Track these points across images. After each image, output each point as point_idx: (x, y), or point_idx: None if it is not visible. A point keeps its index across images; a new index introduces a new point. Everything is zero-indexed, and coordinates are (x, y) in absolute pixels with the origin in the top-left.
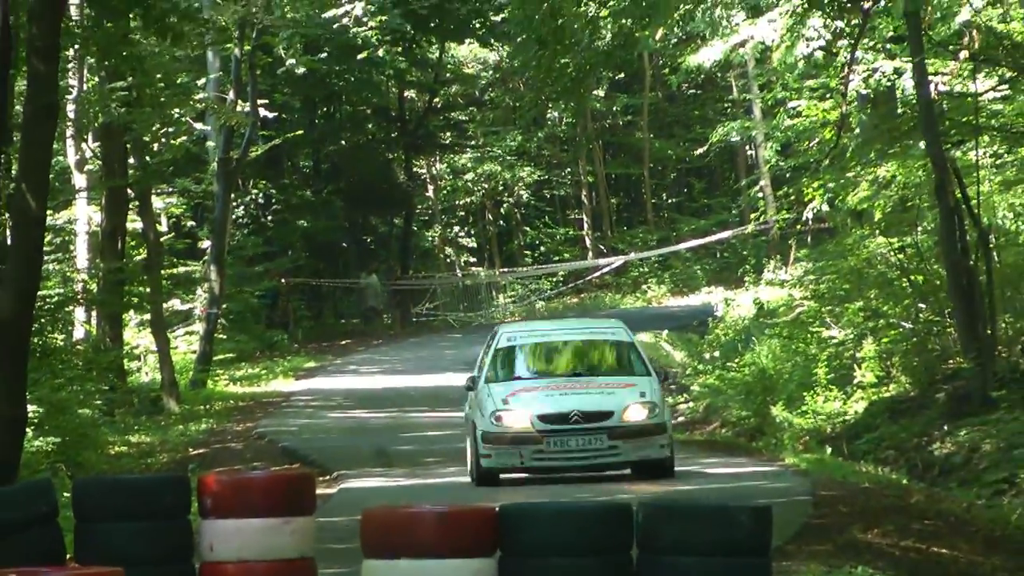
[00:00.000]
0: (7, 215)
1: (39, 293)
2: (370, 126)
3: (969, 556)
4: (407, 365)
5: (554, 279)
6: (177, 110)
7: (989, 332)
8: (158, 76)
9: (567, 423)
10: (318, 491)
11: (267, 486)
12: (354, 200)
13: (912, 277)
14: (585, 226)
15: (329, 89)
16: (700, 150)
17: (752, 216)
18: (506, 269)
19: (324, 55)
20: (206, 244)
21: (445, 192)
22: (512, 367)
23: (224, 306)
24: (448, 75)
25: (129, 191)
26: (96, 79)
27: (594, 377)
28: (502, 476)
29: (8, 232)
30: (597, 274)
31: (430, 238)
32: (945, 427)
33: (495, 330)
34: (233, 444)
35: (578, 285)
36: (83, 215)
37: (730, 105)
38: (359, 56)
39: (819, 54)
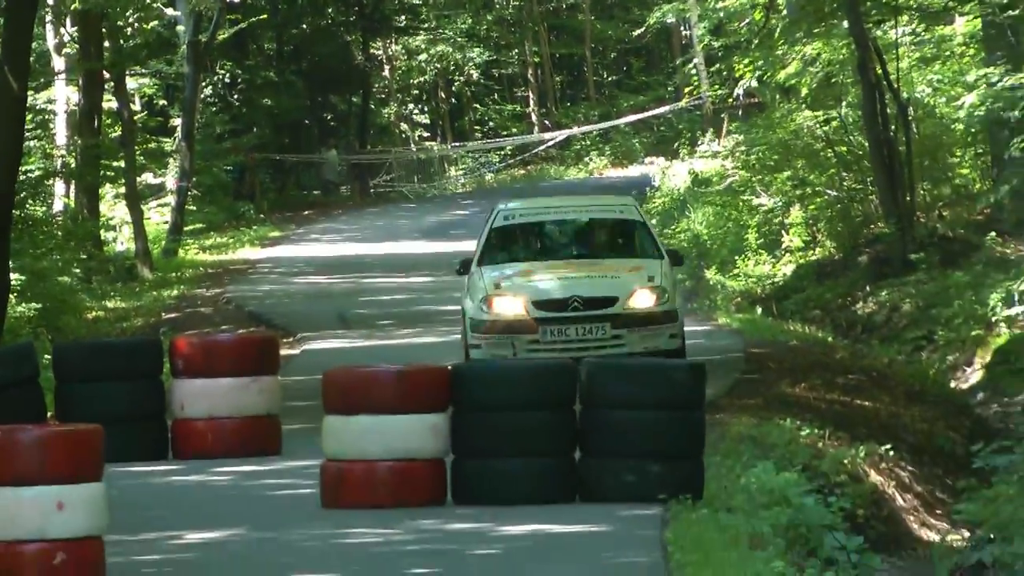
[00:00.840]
0: None
1: (20, 168)
2: (329, 11)
3: (890, 408)
4: (365, 234)
5: (502, 152)
6: None
7: (908, 199)
8: None
9: (566, 310)
10: (282, 352)
11: (235, 348)
12: (315, 80)
13: (836, 148)
14: (531, 103)
15: None
16: (638, 31)
17: (687, 92)
18: (457, 144)
19: None
20: (177, 122)
21: (400, 72)
22: (508, 248)
23: (194, 180)
24: None
25: (105, 73)
26: None
27: (598, 259)
28: None
29: None
30: (542, 148)
31: (386, 115)
32: (867, 288)
33: (494, 207)
34: (203, 309)
35: (525, 158)
36: (61, 95)
37: None
38: None
39: None
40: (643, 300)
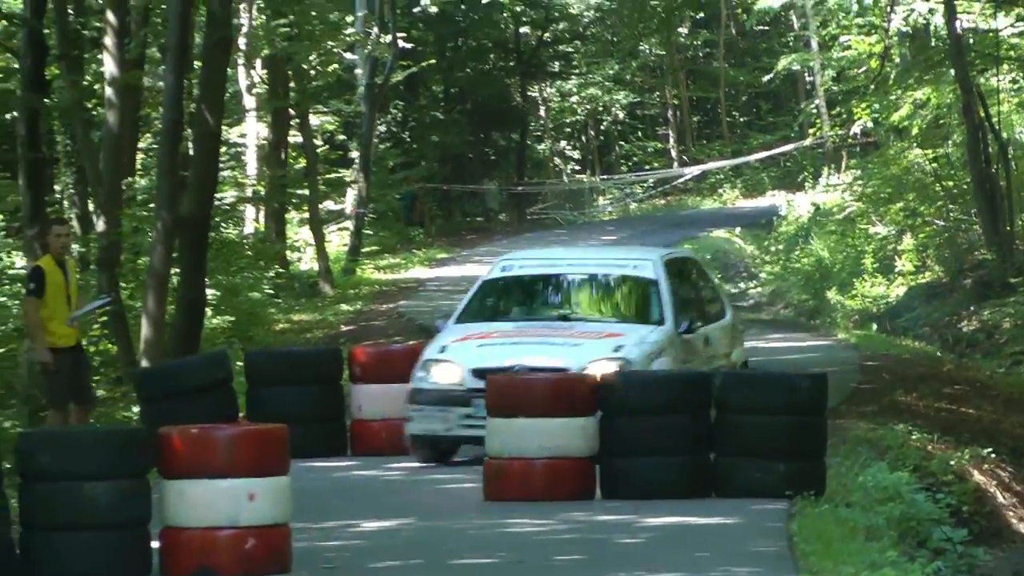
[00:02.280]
0: (189, 131)
1: (216, 195)
2: (491, 56)
3: (991, 415)
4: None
5: (645, 184)
6: (330, 43)
7: (1008, 228)
8: (313, 14)
9: None
10: None
11: (406, 356)
12: (477, 119)
13: (943, 183)
14: (671, 140)
15: (456, 26)
16: (767, 77)
17: (810, 131)
18: (605, 176)
19: None
20: (354, 155)
21: (554, 112)
22: (492, 305)
23: (370, 206)
24: (556, 14)
25: (290, 110)
26: (263, 17)
27: (579, 323)
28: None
29: (191, 145)
30: (680, 180)
31: (541, 150)
32: (971, 308)
33: (499, 258)
34: (377, 322)
35: (665, 189)
36: (252, 131)
37: (792, 39)
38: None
39: None
40: (600, 372)
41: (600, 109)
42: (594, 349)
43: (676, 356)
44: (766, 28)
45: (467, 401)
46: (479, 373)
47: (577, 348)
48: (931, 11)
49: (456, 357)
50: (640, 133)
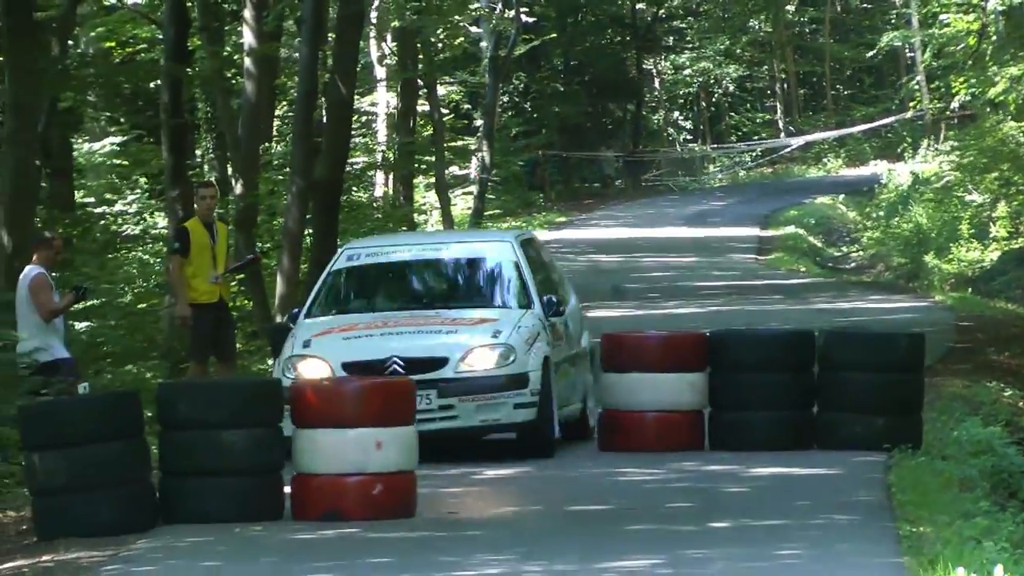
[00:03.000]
0: (323, 100)
1: (347, 161)
2: (608, 31)
3: None
4: (636, 220)
5: (754, 154)
6: (457, 16)
7: None
8: None
9: (382, 373)
10: None
11: None
12: (595, 90)
13: None
14: (778, 112)
15: (576, 1)
16: (870, 53)
17: (911, 105)
18: (716, 145)
19: None
20: (479, 123)
21: (667, 84)
22: (344, 297)
23: (493, 172)
24: None
25: (418, 81)
26: None
27: (444, 310)
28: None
29: (324, 113)
30: (786, 150)
31: (655, 120)
32: None
33: (341, 247)
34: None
35: (772, 159)
36: (382, 100)
37: (894, 17)
38: None
39: None
40: (481, 361)
41: (711, 82)
42: (472, 335)
43: (548, 340)
44: (869, 6)
45: None
46: (350, 368)
47: (452, 336)
48: None
49: (323, 352)
50: (749, 105)
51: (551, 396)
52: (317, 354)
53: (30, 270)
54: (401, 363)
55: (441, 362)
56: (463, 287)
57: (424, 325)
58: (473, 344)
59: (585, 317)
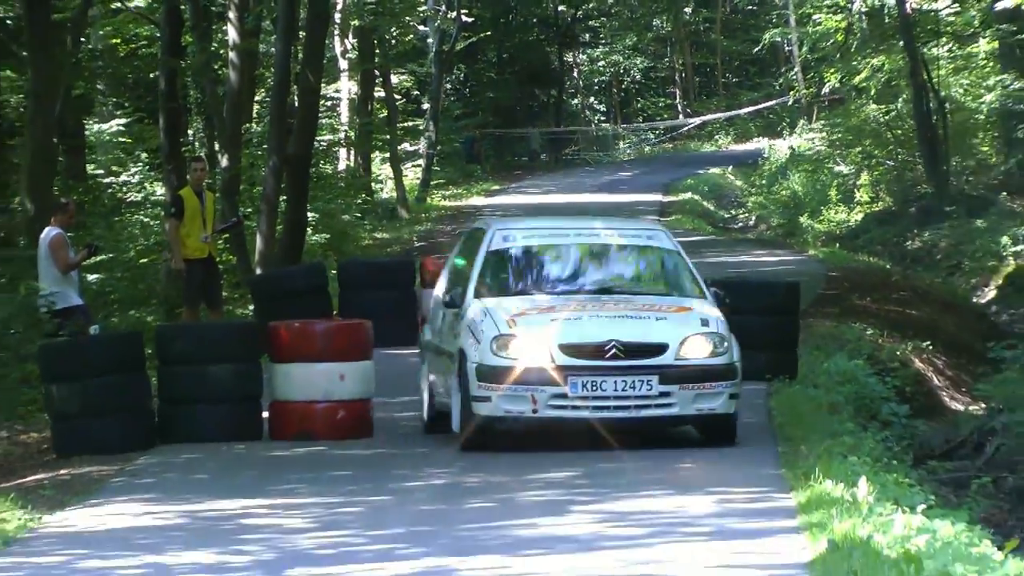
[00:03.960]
0: (295, 88)
1: (315, 139)
2: (535, 29)
3: (930, 316)
4: (558, 188)
5: (657, 132)
6: (407, 17)
7: (944, 168)
8: None
9: (602, 357)
10: None
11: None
12: (523, 78)
13: (893, 131)
14: (677, 97)
15: (507, 4)
16: (756, 48)
17: (790, 92)
18: (625, 125)
19: None
20: (426, 107)
21: (585, 74)
22: (512, 278)
23: (438, 148)
24: None
25: (375, 72)
26: None
27: (632, 296)
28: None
29: (296, 99)
30: (684, 129)
31: (574, 104)
32: (914, 231)
33: (486, 227)
34: (443, 239)
35: (672, 136)
36: (345, 87)
37: (775, 16)
38: None
39: None
40: (698, 349)
41: (621, 72)
42: (681, 323)
43: (732, 335)
44: (754, 7)
45: (560, 379)
46: (569, 349)
47: (663, 323)
48: None
49: (534, 332)
50: (653, 91)
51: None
52: (530, 333)
53: (50, 230)
54: (621, 347)
55: (661, 348)
56: (639, 274)
57: (627, 310)
58: (688, 332)
59: None
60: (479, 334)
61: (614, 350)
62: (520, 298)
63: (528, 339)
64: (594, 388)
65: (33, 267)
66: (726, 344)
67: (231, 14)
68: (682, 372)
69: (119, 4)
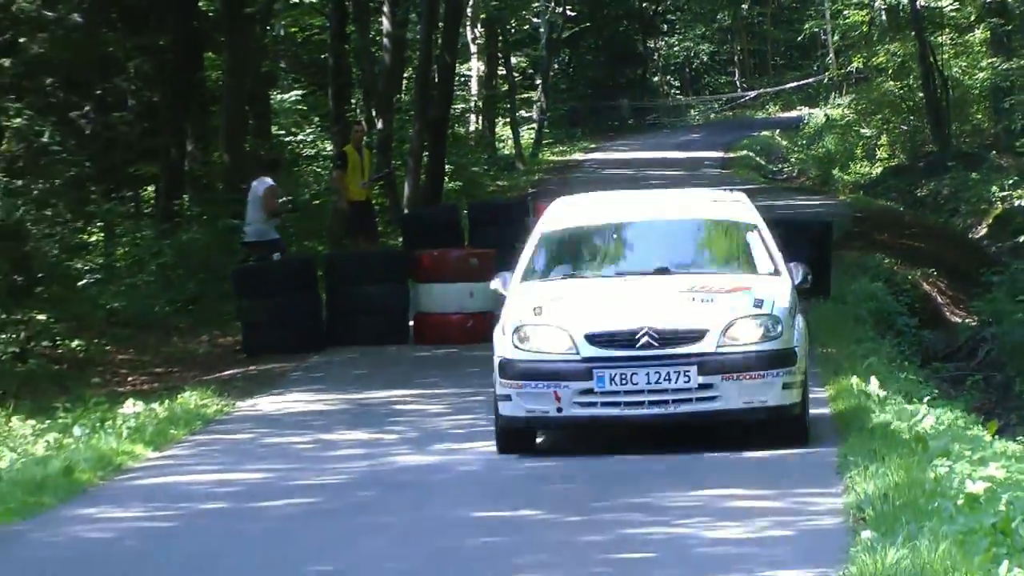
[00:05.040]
0: (436, 67)
1: (451, 106)
2: (624, 22)
3: (935, 247)
4: (642, 146)
5: (720, 102)
6: (524, 12)
7: (947, 132)
8: None
9: (633, 347)
10: None
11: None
12: (615, 60)
13: (906, 103)
14: (736, 75)
15: (602, 2)
16: (799, 37)
17: (826, 71)
18: (694, 97)
19: None
20: (538, 82)
21: (663, 57)
22: (565, 259)
23: (547, 114)
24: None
25: (499, 54)
26: None
27: (687, 275)
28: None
29: (436, 75)
30: (741, 100)
31: (655, 80)
32: (923, 181)
33: (553, 201)
34: (551, 187)
35: (732, 106)
36: (474, 67)
37: (813, 12)
38: None
39: None
40: (746, 334)
41: (692, 55)
42: (730, 304)
43: (797, 315)
44: (797, 5)
45: (586, 373)
46: (595, 339)
47: (709, 305)
48: None
49: (560, 320)
50: (716, 70)
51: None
52: (554, 323)
53: (265, 180)
54: (655, 335)
55: (699, 335)
56: (704, 250)
57: (672, 292)
58: (735, 315)
59: None
60: (505, 324)
61: (647, 338)
62: (565, 282)
63: (551, 329)
64: (623, 382)
65: (228, 207)
66: (780, 328)
67: (385, 8)
68: (725, 361)
69: (297, 0)
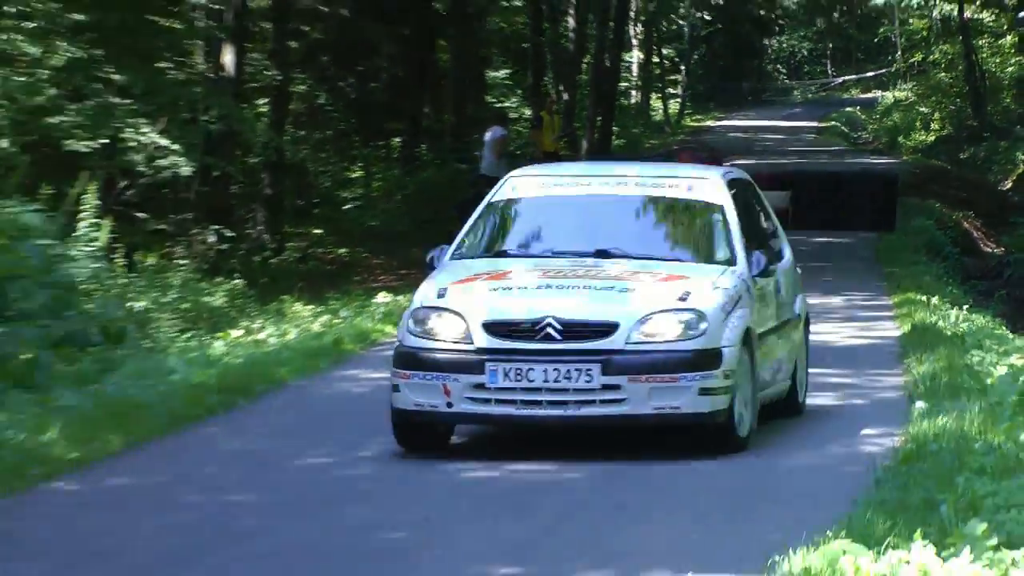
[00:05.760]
0: (607, 56)
1: (618, 84)
2: (746, 23)
3: (973, 195)
4: (758, 116)
5: (816, 86)
6: (672, 15)
7: (984, 111)
8: None
9: (533, 339)
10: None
11: (693, 157)
12: (738, 52)
13: (954, 88)
14: (828, 65)
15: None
16: (875, 39)
17: (895, 65)
18: (796, 81)
19: None
20: (682, 68)
21: (775, 52)
22: (499, 236)
23: (688, 92)
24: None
25: (653, 46)
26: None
27: (623, 259)
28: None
29: (607, 61)
30: (831, 84)
31: (768, 67)
32: (965, 146)
33: (510, 174)
34: (692, 146)
35: (824, 88)
36: (635, 55)
37: (885, 20)
38: None
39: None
40: (663, 330)
41: (796, 50)
42: (652, 298)
43: (752, 306)
44: (875, 14)
45: (478, 366)
46: (493, 328)
47: (629, 294)
48: (951, 9)
49: (460, 305)
50: (814, 61)
51: (748, 380)
52: (453, 307)
53: (497, 129)
54: (558, 327)
55: (609, 328)
56: (650, 233)
57: (595, 279)
58: (652, 308)
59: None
60: (413, 301)
61: (548, 329)
62: (492, 260)
63: (449, 315)
64: (519, 378)
65: (455, 154)
66: (704, 325)
67: (571, 10)
68: (634, 359)
69: (505, 3)
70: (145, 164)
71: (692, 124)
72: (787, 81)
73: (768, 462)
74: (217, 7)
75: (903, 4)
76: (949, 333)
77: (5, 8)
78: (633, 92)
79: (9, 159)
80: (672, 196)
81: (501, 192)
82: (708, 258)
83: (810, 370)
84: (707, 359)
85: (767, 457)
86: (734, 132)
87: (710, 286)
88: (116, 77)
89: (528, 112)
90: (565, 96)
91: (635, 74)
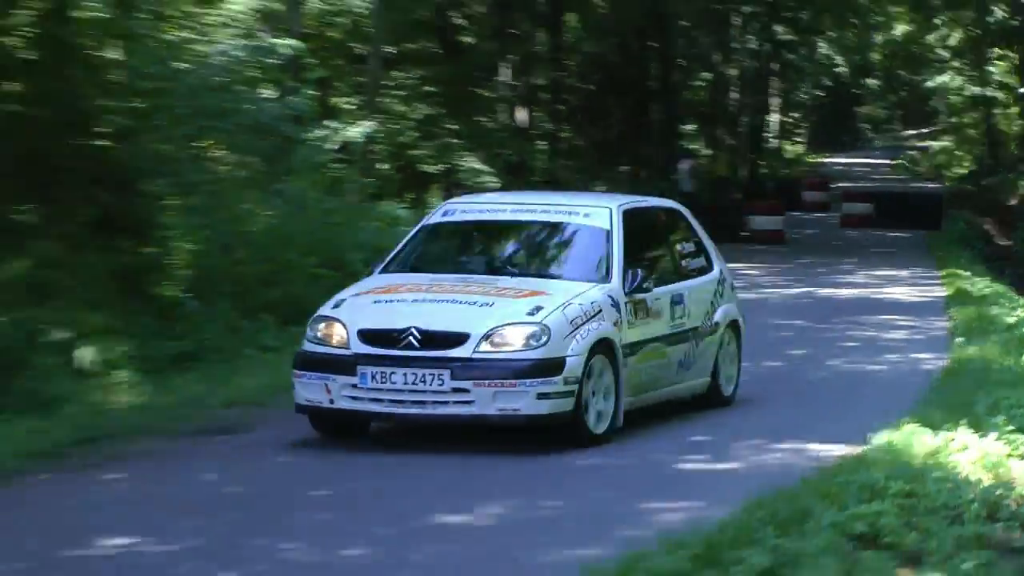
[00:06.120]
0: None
1: (764, 135)
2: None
3: (990, 208)
4: (853, 156)
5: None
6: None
7: (995, 153)
8: None
9: (396, 346)
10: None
11: (819, 184)
12: (838, 117)
13: (979, 140)
14: (898, 125)
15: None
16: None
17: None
18: (878, 136)
19: None
20: (804, 125)
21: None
22: (419, 256)
23: (807, 140)
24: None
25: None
26: None
27: (505, 278)
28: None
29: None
30: (900, 136)
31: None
32: (986, 177)
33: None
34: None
35: (896, 139)
36: (774, 117)
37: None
38: None
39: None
40: (508, 341)
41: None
42: (509, 309)
43: (619, 318)
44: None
45: (351, 368)
46: (366, 335)
47: (486, 309)
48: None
49: (345, 315)
50: (888, 123)
51: (609, 383)
52: (341, 316)
53: (689, 161)
54: (418, 336)
55: (460, 338)
56: (540, 254)
57: (467, 294)
58: (501, 321)
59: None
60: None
61: (410, 338)
62: (402, 276)
63: (336, 323)
64: (384, 380)
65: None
66: (545, 338)
67: (735, 88)
68: (479, 367)
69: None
70: (469, 180)
71: (810, 160)
72: (871, 134)
73: (858, 377)
74: (514, 83)
75: (947, 87)
76: (977, 295)
77: (383, 81)
78: (773, 140)
79: (388, 176)
80: (568, 222)
81: (433, 216)
82: (586, 276)
83: (888, 317)
84: (548, 367)
85: (854, 373)
86: (837, 166)
87: (565, 301)
88: (452, 126)
89: (706, 151)
90: (730, 141)
91: (774, 128)
